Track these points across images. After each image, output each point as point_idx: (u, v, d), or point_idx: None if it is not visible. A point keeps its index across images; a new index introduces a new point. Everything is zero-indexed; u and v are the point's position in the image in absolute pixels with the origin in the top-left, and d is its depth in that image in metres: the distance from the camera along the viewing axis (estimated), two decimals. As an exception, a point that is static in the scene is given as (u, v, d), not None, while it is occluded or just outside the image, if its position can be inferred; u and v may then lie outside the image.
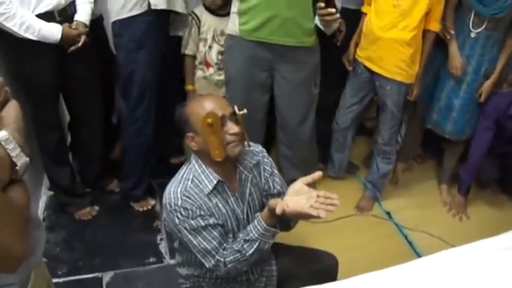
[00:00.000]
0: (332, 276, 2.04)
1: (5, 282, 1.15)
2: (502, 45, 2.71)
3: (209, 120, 1.60)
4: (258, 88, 2.64)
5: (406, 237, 2.84)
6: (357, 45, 2.79)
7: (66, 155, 2.84)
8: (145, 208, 2.96)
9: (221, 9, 2.71)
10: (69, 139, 3.05)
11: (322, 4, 2.26)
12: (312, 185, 2.90)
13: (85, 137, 2.90)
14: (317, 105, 2.86)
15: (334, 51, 2.86)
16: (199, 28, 2.71)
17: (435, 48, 2.77)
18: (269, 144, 3.05)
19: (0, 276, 1.08)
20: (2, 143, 0.99)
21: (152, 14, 2.55)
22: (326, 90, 2.94)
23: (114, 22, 2.58)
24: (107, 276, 2.49)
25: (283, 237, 2.10)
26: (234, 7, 2.50)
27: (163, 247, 2.66)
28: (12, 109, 1.13)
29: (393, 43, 2.58)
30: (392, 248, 2.75)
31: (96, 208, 2.93)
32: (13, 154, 1.00)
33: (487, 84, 2.74)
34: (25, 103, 2.47)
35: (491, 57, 2.72)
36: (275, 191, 1.85)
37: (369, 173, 3.06)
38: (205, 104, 1.65)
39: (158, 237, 2.72)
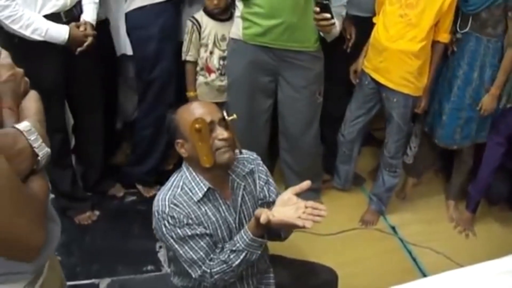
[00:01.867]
0: (331, 291, 2.00)
1: (18, 270, 1.15)
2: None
3: (197, 126, 1.58)
4: (261, 93, 2.62)
5: (410, 253, 2.78)
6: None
7: (68, 158, 2.82)
8: (149, 195, 3.00)
9: (222, 13, 2.69)
10: (73, 142, 3.04)
11: (317, 9, 2.25)
12: (317, 195, 2.93)
13: (88, 140, 2.88)
14: (326, 114, 2.83)
15: (344, 59, 2.84)
16: (199, 33, 2.68)
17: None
18: (274, 152, 3.02)
19: (14, 264, 1.09)
20: (25, 133, 1.00)
21: (173, 2, 2.64)
22: (335, 99, 2.92)
23: (135, 11, 2.62)
24: (103, 283, 2.46)
25: (282, 249, 2.06)
26: (238, 11, 2.50)
27: (161, 255, 2.62)
28: (33, 101, 1.16)
29: (400, 55, 2.53)
30: (395, 264, 2.68)
31: (97, 213, 2.89)
32: (35, 144, 1.01)
33: (486, 98, 2.65)
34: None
35: (485, 64, 2.62)
36: (271, 199, 1.81)
37: (374, 186, 3.00)
38: (194, 109, 1.63)
39: (157, 245, 2.68)
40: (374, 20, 2.68)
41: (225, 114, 1.66)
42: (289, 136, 2.76)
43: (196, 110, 1.63)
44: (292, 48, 2.48)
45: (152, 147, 2.94)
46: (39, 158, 1.02)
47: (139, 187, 3.07)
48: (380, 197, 2.96)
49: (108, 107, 2.94)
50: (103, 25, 2.80)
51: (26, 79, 1.18)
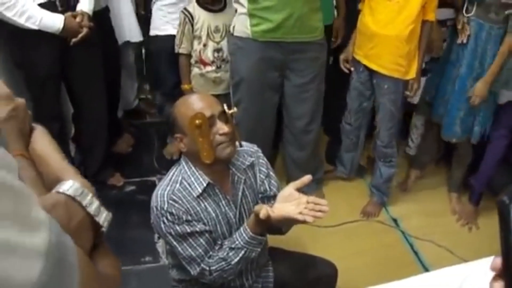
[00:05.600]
0: (330, 285, 1.99)
1: None
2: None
3: (197, 122, 1.53)
4: (270, 89, 2.58)
5: (412, 246, 2.74)
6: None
7: (66, 147, 2.80)
8: None
9: (215, 4, 2.64)
10: (73, 131, 3.01)
11: None
12: (319, 186, 2.90)
13: (88, 129, 2.87)
14: (330, 104, 2.81)
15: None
16: (192, 25, 2.64)
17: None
18: (275, 144, 2.99)
19: None
20: (77, 199, 0.71)
21: None
22: (340, 88, 2.89)
23: None
24: (101, 273, 2.44)
25: (282, 242, 2.04)
26: (243, 8, 2.41)
27: (160, 246, 2.60)
28: (47, 140, 0.86)
29: (390, 40, 2.50)
30: (397, 257, 2.65)
31: (95, 201, 2.87)
32: (92, 210, 0.73)
33: (478, 85, 2.56)
34: (26, 94, 2.44)
35: (486, 52, 2.55)
36: (272, 193, 1.78)
37: (373, 179, 2.96)
38: (193, 103, 1.58)
39: (156, 236, 2.65)
40: (360, 6, 2.64)
41: (225, 107, 1.61)
42: (296, 129, 2.73)
43: (195, 104, 1.58)
44: (301, 40, 2.44)
45: None
46: (103, 228, 0.76)
47: None
48: (380, 188, 2.92)
49: (110, 96, 2.92)
50: (103, 13, 2.77)
51: (29, 112, 0.90)
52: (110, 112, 2.99)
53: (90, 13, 2.41)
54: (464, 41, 2.57)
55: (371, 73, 2.66)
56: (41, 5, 2.25)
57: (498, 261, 0.59)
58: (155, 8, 2.91)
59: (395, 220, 2.93)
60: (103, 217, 0.76)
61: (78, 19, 2.33)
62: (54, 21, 2.27)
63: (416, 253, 2.70)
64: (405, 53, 2.51)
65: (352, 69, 2.77)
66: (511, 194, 0.59)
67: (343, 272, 2.00)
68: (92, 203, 0.73)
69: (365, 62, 2.65)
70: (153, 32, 2.95)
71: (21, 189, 0.51)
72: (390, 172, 2.88)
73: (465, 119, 2.71)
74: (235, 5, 2.45)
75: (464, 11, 2.54)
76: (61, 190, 0.70)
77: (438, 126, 2.94)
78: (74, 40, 2.34)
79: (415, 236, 2.79)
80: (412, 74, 2.60)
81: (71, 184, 0.72)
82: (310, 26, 2.43)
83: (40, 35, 2.26)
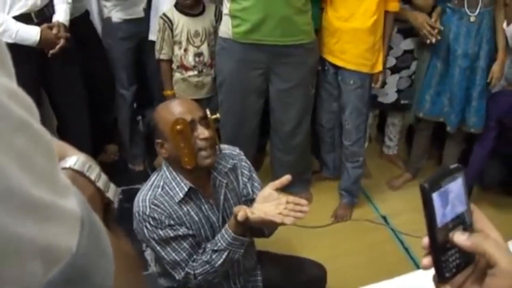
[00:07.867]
0: (320, 287, 1.96)
1: None
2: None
3: (178, 127, 1.53)
4: (252, 92, 2.56)
5: (402, 243, 2.73)
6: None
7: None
8: None
9: (193, 8, 2.62)
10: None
11: None
12: (306, 187, 2.88)
13: (72, 141, 2.81)
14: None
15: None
16: (172, 30, 2.62)
17: (432, 59, 2.71)
18: (262, 145, 2.97)
19: None
20: (86, 173, 0.64)
21: None
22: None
23: None
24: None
25: (270, 244, 2.03)
26: (225, 9, 2.41)
27: (148, 254, 2.58)
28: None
29: (353, 32, 2.50)
30: (387, 255, 2.64)
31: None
32: (101, 185, 0.65)
33: (495, 67, 2.58)
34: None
35: (482, 40, 2.58)
36: (255, 196, 1.76)
37: (342, 181, 2.91)
38: (173, 109, 1.58)
39: (144, 244, 2.62)
40: (322, 4, 2.64)
41: (207, 112, 1.61)
42: (283, 134, 2.71)
43: (176, 109, 1.58)
44: (285, 43, 2.40)
45: None
46: (114, 205, 0.68)
47: None
48: (349, 190, 2.88)
49: (101, 101, 2.92)
50: (84, 18, 2.75)
51: None
52: (101, 117, 2.98)
53: (67, 23, 2.38)
54: (433, 41, 2.58)
55: (337, 70, 2.64)
56: (16, 17, 2.22)
57: (426, 240, 0.67)
58: (154, 15, 2.87)
59: (384, 218, 2.92)
60: (113, 192, 0.67)
61: (54, 31, 2.30)
62: (31, 34, 2.24)
63: (407, 249, 2.69)
64: (370, 46, 2.51)
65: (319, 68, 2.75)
66: (432, 182, 0.63)
67: (334, 272, 2.00)
68: (100, 178, 0.65)
69: (329, 58, 2.63)
70: (151, 36, 2.90)
71: (50, 143, 0.43)
72: (358, 173, 2.84)
73: (479, 108, 2.71)
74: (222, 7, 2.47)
75: (467, 11, 2.53)
76: (67, 166, 0.62)
77: (426, 132, 2.97)
78: (52, 51, 2.32)
79: (405, 233, 2.77)
80: (379, 67, 2.60)
81: (76, 159, 0.64)
82: (294, 29, 2.39)
83: (17, 50, 2.23)
